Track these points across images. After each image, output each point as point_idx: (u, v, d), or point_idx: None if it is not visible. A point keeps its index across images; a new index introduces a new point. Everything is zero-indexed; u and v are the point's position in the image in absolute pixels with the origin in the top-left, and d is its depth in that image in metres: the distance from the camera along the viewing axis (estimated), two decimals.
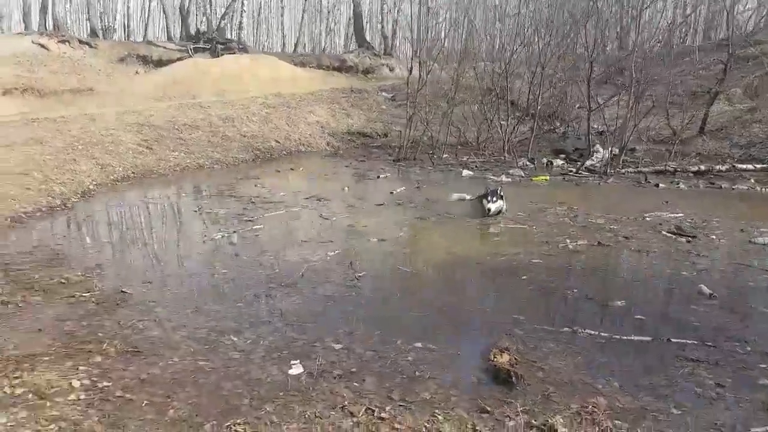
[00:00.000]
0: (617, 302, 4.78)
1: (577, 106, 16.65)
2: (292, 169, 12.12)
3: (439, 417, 3.00)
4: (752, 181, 11.41)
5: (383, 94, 22.89)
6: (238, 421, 2.91)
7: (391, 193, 9.79)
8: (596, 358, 3.81)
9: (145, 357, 3.61)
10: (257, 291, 4.86)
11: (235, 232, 6.80)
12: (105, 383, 3.25)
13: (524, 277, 5.38)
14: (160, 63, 21.07)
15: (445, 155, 13.95)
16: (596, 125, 16.23)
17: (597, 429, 2.95)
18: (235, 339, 3.91)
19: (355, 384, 3.34)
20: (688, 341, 4.03)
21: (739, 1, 17.37)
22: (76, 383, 3.22)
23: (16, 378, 3.22)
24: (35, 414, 2.90)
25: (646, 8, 15.75)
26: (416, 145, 13.88)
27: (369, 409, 3.06)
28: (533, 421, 3.00)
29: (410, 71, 13.51)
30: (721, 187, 10.80)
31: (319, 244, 6.31)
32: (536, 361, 3.70)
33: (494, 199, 7.58)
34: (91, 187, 8.97)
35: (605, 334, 4.12)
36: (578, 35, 14.36)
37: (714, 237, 6.87)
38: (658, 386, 3.44)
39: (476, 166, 12.58)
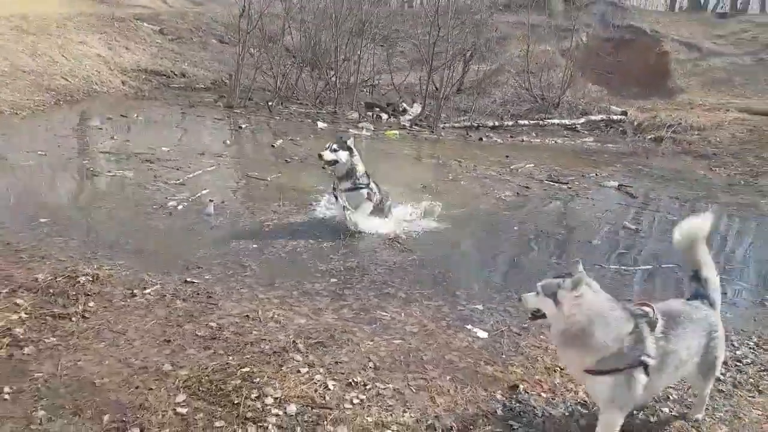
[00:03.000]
0: (594, 241, 5.95)
1: (342, 58, 17.24)
2: (123, 116, 10.14)
3: None
4: (533, 134, 14.23)
5: (146, 25, 20.07)
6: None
7: (273, 146, 9.29)
8: (645, 287, 4.87)
9: (348, 362, 3.19)
10: (342, 274, 4.49)
11: (193, 199, 5.78)
12: None
13: (516, 228, 6.15)
14: None
15: (270, 103, 13.31)
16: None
17: None
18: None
19: (541, 338, 3.65)
20: (671, 265, 5.39)
21: None
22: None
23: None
24: None
25: None
26: (247, 91, 13.00)
27: None
28: None
29: (242, 11, 12.38)
30: (522, 140, 13.21)
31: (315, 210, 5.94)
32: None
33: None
34: None
35: (625, 268, 5.22)
36: None
37: (577, 183, 8.72)
38: None
39: (324, 119, 12.52)
